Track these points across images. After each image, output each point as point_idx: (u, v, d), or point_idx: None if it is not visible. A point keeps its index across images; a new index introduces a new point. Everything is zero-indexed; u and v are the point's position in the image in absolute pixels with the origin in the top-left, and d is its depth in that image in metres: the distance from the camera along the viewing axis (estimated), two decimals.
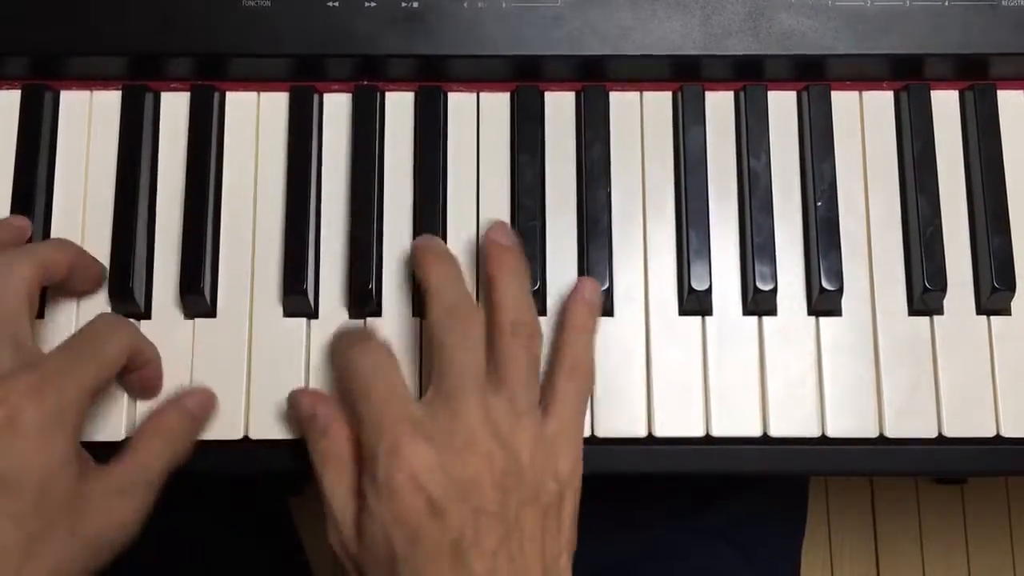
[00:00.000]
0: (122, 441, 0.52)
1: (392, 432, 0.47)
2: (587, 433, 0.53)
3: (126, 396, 0.53)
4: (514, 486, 0.47)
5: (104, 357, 0.49)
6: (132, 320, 0.54)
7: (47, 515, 0.46)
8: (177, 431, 0.51)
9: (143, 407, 0.53)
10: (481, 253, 0.53)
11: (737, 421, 0.54)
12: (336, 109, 0.57)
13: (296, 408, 0.52)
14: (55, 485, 0.46)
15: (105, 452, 0.50)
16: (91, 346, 0.49)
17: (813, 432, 0.53)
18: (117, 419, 0.53)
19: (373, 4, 0.56)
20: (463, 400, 0.48)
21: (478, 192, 0.56)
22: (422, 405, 0.49)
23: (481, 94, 0.57)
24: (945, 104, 0.57)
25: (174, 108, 0.57)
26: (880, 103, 0.57)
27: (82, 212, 0.56)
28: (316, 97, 0.57)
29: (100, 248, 0.55)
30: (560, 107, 0.57)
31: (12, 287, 0.49)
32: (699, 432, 0.54)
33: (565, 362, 0.51)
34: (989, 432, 0.53)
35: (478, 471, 0.47)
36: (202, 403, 0.52)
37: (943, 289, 0.54)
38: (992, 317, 0.55)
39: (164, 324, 0.55)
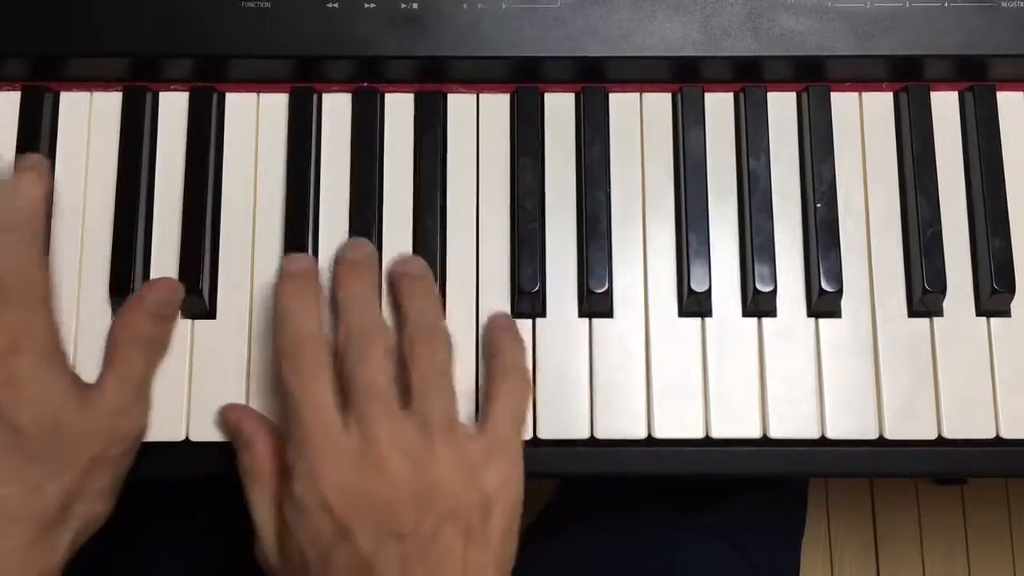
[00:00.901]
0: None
1: (311, 452, 0.47)
2: (587, 434, 0.53)
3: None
4: (428, 504, 0.46)
5: (34, 277, 0.50)
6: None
7: (65, 449, 0.48)
8: (151, 334, 0.52)
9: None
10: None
11: (737, 422, 0.54)
12: (336, 110, 0.57)
13: (224, 422, 0.53)
14: (63, 419, 0.48)
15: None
16: (19, 276, 0.49)
17: (813, 433, 0.53)
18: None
19: (373, 5, 0.56)
20: (377, 423, 0.47)
21: (478, 193, 0.56)
22: (343, 429, 0.48)
23: (481, 95, 0.57)
24: (945, 105, 0.57)
25: (174, 109, 0.57)
26: (880, 104, 0.57)
27: (82, 212, 0.56)
28: (316, 98, 0.57)
29: (100, 248, 0.55)
30: (560, 108, 0.57)
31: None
32: (699, 433, 0.54)
33: (494, 369, 0.51)
34: (989, 433, 0.53)
35: (388, 492, 0.46)
36: (167, 299, 0.53)
37: (943, 291, 0.54)
38: (992, 319, 0.55)
39: None
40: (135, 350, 0.52)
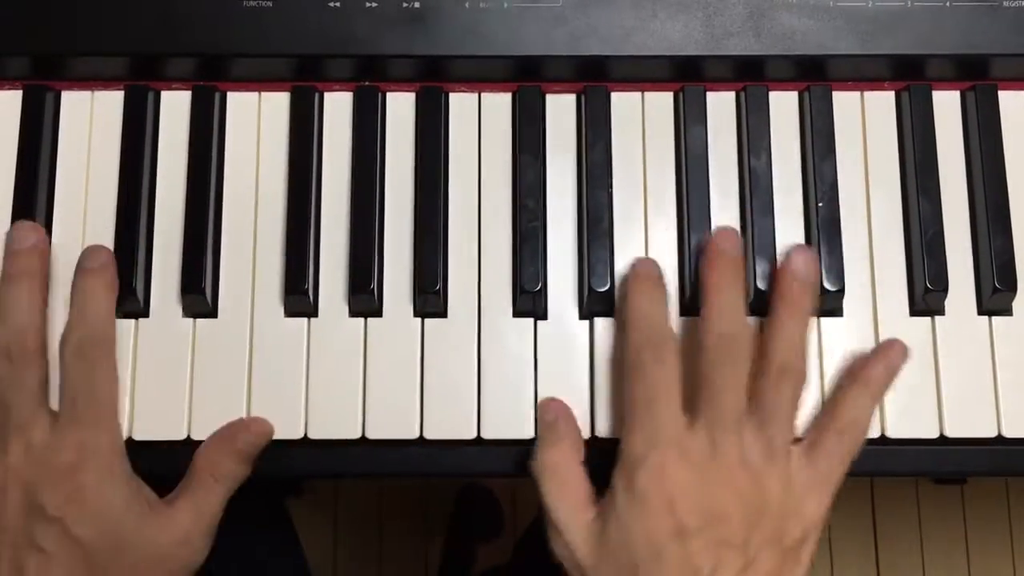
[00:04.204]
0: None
1: (663, 450, 0.48)
2: (586, 434, 0.53)
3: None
4: (759, 524, 0.48)
5: (105, 396, 0.51)
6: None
7: (127, 568, 0.50)
8: (235, 472, 0.52)
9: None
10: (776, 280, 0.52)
11: None
12: (337, 109, 0.57)
13: (541, 411, 0.53)
14: (126, 532, 0.50)
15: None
16: (92, 395, 0.51)
17: None
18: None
19: (374, 4, 0.56)
20: (726, 437, 0.49)
21: (479, 193, 0.56)
22: (688, 430, 0.49)
23: (482, 94, 0.57)
24: (946, 104, 0.57)
25: (175, 108, 0.57)
26: (881, 103, 0.57)
27: (83, 212, 0.56)
28: (317, 97, 0.57)
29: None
30: (561, 107, 0.57)
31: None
32: None
33: (839, 417, 0.51)
34: (990, 432, 0.53)
35: (729, 505, 0.48)
36: (255, 441, 0.53)
37: (944, 289, 0.54)
38: (993, 318, 0.55)
39: (164, 324, 0.55)
40: (216, 485, 0.52)
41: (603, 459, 0.53)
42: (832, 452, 0.50)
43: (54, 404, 0.52)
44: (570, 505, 0.50)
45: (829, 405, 0.52)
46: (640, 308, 0.51)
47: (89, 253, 0.53)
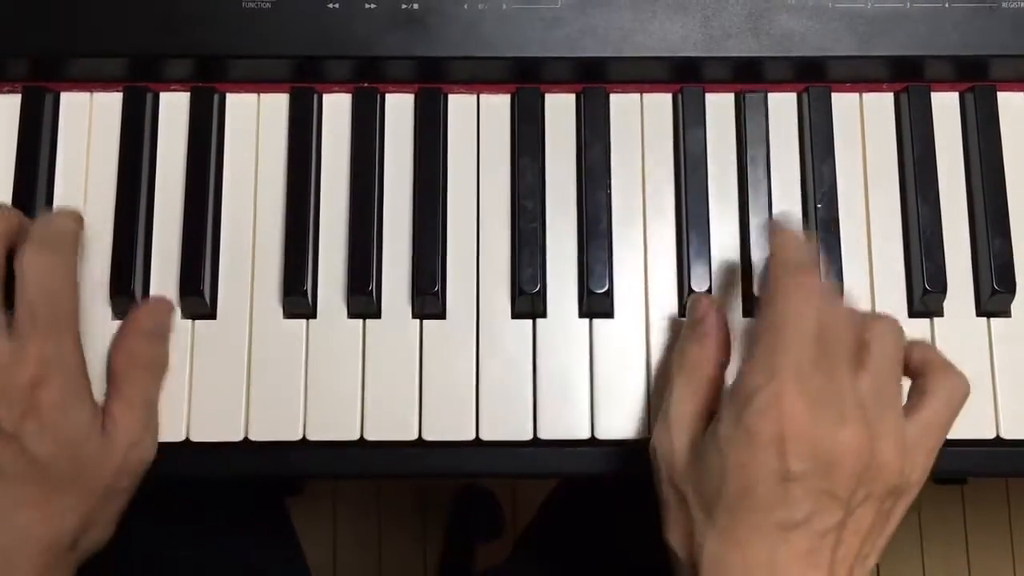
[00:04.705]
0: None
1: (779, 382, 0.45)
2: (586, 435, 0.53)
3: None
4: (865, 478, 0.46)
5: (66, 305, 0.50)
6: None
7: (83, 480, 0.49)
8: (150, 355, 0.52)
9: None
10: None
11: None
12: (336, 111, 0.57)
13: (692, 307, 0.52)
14: (85, 449, 0.49)
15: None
16: (52, 304, 0.49)
17: None
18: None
19: (373, 6, 0.56)
20: (839, 372, 0.46)
21: (478, 193, 0.56)
22: (809, 365, 0.46)
23: (481, 96, 0.57)
24: (945, 106, 0.57)
25: (174, 109, 0.57)
26: (880, 105, 0.57)
27: (82, 212, 0.56)
28: (316, 98, 0.57)
29: (100, 248, 0.55)
30: (560, 109, 0.57)
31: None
32: None
33: (935, 361, 0.49)
34: (989, 433, 0.53)
35: (840, 452, 0.45)
36: (158, 317, 0.53)
37: (943, 291, 0.54)
38: (992, 319, 0.55)
39: None
40: (138, 374, 0.52)
41: (603, 460, 0.53)
42: (940, 405, 0.48)
43: None
44: (691, 410, 0.49)
45: (931, 372, 0.50)
46: (784, 233, 0.49)
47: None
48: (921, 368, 0.49)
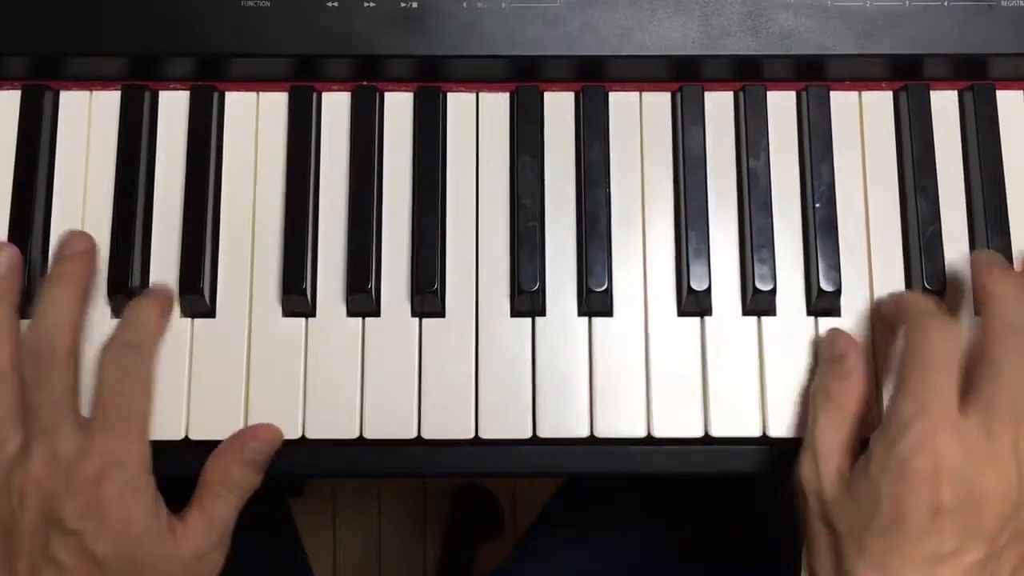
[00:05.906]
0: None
1: (935, 419, 0.47)
2: (586, 433, 0.53)
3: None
4: (1014, 518, 0.47)
5: (138, 407, 0.50)
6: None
7: None
8: (243, 480, 0.52)
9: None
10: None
11: (736, 421, 0.54)
12: (335, 109, 0.57)
13: (829, 344, 0.53)
14: (144, 550, 0.49)
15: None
16: (124, 404, 0.50)
17: None
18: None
19: (372, 4, 0.56)
20: (1002, 426, 0.47)
21: (477, 192, 0.56)
22: (961, 409, 0.47)
23: (480, 94, 0.57)
24: (944, 104, 0.57)
25: (174, 108, 0.57)
26: (879, 103, 0.57)
27: (82, 212, 0.56)
28: (315, 97, 0.57)
29: (100, 248, 0.55)
30: (559, 107, 0.57)
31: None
32: (698, 432, 0.54)
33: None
34: None
35: (991, 491, 0.46)
36: (264, 448, 0.53)
37: (942, 290, 0.54)
38: None
39: None
40: (228, 495, 0.52)
41: (602, 459, 0.53)
42: None
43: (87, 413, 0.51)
44: (838, 443, 0.50)
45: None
46: (920, 305, 0.50)
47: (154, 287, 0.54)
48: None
